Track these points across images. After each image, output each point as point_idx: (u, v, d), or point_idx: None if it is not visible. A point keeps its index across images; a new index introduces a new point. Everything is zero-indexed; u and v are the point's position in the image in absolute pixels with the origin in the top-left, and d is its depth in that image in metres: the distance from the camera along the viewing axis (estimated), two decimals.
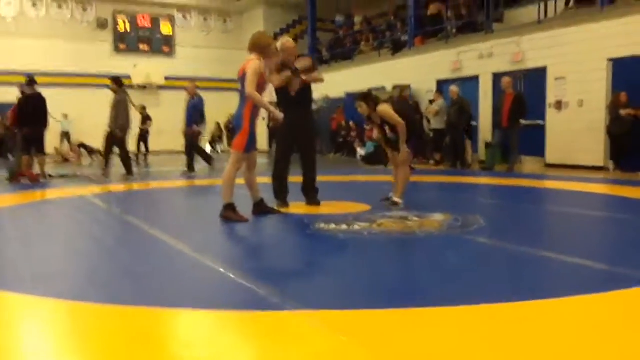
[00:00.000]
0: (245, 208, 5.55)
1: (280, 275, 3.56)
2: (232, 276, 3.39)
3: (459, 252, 4.13)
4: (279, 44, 6.02)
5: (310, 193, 6.41)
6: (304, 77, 6.21)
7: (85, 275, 3.59)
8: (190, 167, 11.63)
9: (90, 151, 17.72)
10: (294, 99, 6.24)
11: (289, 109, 6.12)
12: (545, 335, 2.35)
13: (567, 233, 5.06)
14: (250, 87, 5.23)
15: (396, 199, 6.21)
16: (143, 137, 17.64)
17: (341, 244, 4.46)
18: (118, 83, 10.86)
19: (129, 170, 10.68)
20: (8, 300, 2.98)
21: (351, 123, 17.80)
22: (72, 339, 2.47)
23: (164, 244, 4.49)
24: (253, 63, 5.33)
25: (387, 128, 6.32)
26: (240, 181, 5.52)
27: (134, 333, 2.48)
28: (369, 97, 6.34)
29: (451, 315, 2.64)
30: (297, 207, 6.20)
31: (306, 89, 6.34)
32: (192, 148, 11.79)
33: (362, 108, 6.27)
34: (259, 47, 5.47)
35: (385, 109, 6.16)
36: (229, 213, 5.37)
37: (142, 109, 17.46)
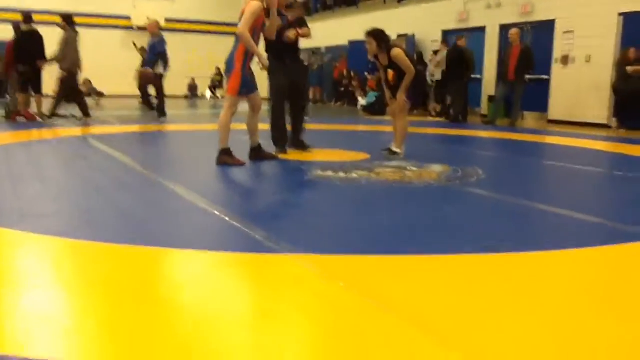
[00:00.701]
0: (244, 153, 5.49)
1: (276, 220, 3.53)
2: (226, 219, 3.35)
3: (457, 203, 4.08)
4: None
5: (299, 139, 6.38)
6: (300, 32, 6.05)
7: (79, 214, 3.54)
8: (161, 111, 11.11)
9: (96, 93, 17.76)
10: (286, 48, 6.10)
11: (280, 57, 6.06)
12: (544, 285, 2.32)
13: (564, 187, 5.01)
14: (242, 26, 5.10)
15: (395, 149, 6.12)
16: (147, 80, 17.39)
17: (338, 190, 4.41)
18: (67, 20, 10.35)
19: (85, 112, 10.28)
20: None
21: (352, 72, 17.55)
22: (61, 275, 2.44)
23: (159, 185, 4.44)
24: (254, 3, 5.16)
25: (390, 72, 6.13)
26: (242, 126, 5.43)
27: (127, 272, 2.45)
28: (382, 36, 6.06)
29: (448, 263, 2.61)
30: (295, 154, 6.14)
31: (297, 40, 6.22)
32: (158, 91, 11.21)
33: (372, 46, 5.99)
34: None
35: (399, 53, 5.95)
36: (225, 157, 5.33)
37: (143, 51, 17.17)
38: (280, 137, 6.25)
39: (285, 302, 2.13)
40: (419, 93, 6.28)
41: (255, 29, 5.20)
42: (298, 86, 6.32)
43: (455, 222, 3.49)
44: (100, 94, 18.53)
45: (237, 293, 2.29)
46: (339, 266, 2.53)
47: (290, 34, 6.02)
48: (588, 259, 2.79)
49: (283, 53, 6.13)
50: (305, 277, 2.40)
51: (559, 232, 3.31)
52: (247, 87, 5.32)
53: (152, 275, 2.48)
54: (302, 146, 6.37)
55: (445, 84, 12.81)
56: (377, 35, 6.03)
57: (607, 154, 7.69)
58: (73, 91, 10.27)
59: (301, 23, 6.29)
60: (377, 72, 16.41)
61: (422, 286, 2.32)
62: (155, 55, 10.98)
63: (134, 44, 11.23)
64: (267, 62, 5.40)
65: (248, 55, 5.23)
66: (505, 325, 1.92)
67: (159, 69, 10.93)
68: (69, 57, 9.99)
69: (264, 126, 6.02)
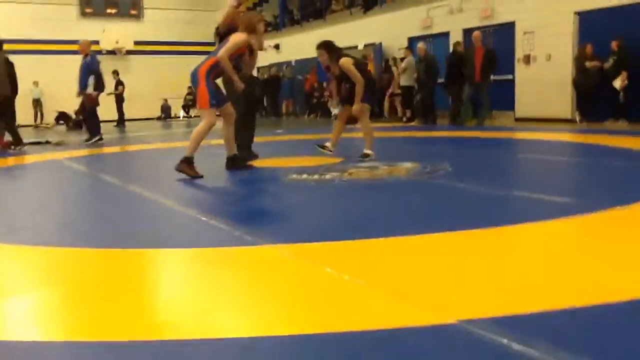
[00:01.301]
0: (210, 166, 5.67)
1: (254, 218, 3.72)
2: (204, 219, 3.53)
3: (423, 192, 4.33)
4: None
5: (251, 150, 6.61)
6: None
7: (62, 225, 3.70)
8: (93, 133, 10.70)
9: (69, 119, 17.92)
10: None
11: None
12: (505, 255, 2.55)
13: (526, 174, 5.31)
14: (223, 53, 5.34)
15: (367, 151, 6.36)
16: (117, 103, 17.55)
17: (312, 190, 4.62)
18: None
19: (17, 141, 9.64)
20: None
21: (324, 83, 17.84)
22: (46, 280, 2.60)
23: (138, 195, 4.60)
24: (241, 36, 5.46)
25: (343, 83, 6.43)
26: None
27: (112, 272, 2.62)
28: (330, 46, 6.34)
29: (416, 242, 2.83)
30: (269, 162, 6.34)
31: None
32: (88, 114, 10.89)
33: (323, 57, 6.30)
34: (247, 27, 5.54)
35: (346, 62, 6.18)
36: (184, 166, 5.34)
37: (115, 74, 17.36)
38: (249, 155, 6.44)
39: (272, 282, 2.32)
40: (370, 98, 6.48)
41: (231, 56, 5.44)
42: (252, 96, 6.65)
43: (421, 208, 3.74)
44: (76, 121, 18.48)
45: (225, 279, 2.47)
46: (316, 251, 2.72)
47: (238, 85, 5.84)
48: (536, 231, 3.03)
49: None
50: (287, 261, 2.60)
51: (519, 210, 3.57)
52: (216, 98, 5.48)
53: (135, 274, 2.66)
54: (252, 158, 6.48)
55: (411, 90, 13.18)
56: (327, 46, 6.33)
57: (567, 144, 8.04)
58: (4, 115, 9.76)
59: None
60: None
61: (393, 262, 2.53)
62: (87, 76, 10.56)
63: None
64: (241, 86, 5.55)
65: (211, 72, 5.43)
66: (465, 282, 2.15)
67: (91, 89, 10.55)
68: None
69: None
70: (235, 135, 5.95)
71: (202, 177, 5.33)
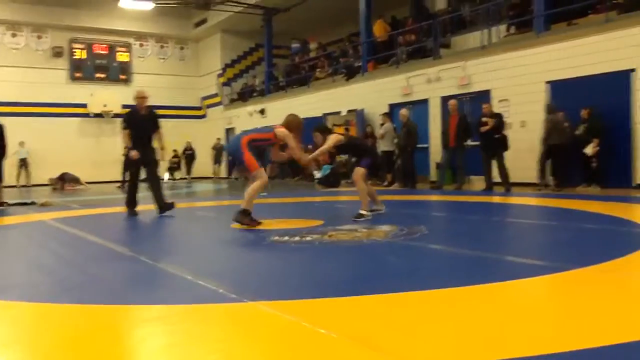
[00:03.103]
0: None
1: (237, 277, 3.88)
2: (189, 277, 3.69)
3: (399, 253, 4.53)
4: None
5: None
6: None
7: (50, 283, 3.83)
8: None
9: (71, 180, 18.21)
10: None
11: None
12: (473, 310, 2.74)
13: (499, 237, 5.54)
14: (292, 141, 6.60)
15: (361, 211, 6.78)
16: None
17: (293, 251, 4.80)
18: None
19: None
20: None
21: (310, 147, 18.22)
22: (36, 335, 2.73)
23: (124, 255, 4.74)
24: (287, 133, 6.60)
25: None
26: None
27: (97, 326, 2.76)
28: (323, 128, 7.65)
29: (387, 300, 3.01)
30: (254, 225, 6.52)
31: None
32: None
33: (317, 138, 7.23)
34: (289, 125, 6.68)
35: (335, 137, 7.13)
36: (242, 217, 6.26)
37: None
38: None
39: (253, 335, 2.48)
40: (372, 164, 7.30)
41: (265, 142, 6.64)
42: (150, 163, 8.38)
43: (396, 268, 3.95)
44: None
45: (207, 336, 2.61)
46: (295, 308, 2.89)
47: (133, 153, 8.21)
48: (505, 289, 3.23)
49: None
50: (267, 316, 2.76)
51: (492, 270, 3.77)
52: (260, 161, 6.50)
53: (120, 329, 2.80)
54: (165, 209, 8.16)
55: (395, 155, 13.57)
56: (320, 129, 7.42)
57: (540, 207, 8.33)
58: None
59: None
60: None
61: (366, 317, 2.70)
62: None
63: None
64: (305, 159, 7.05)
65: (250, 145, 6.38)
66: (432, 334, 2.33)
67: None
68: None
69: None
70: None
71: (260, 223, 6.29)
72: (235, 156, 6.53)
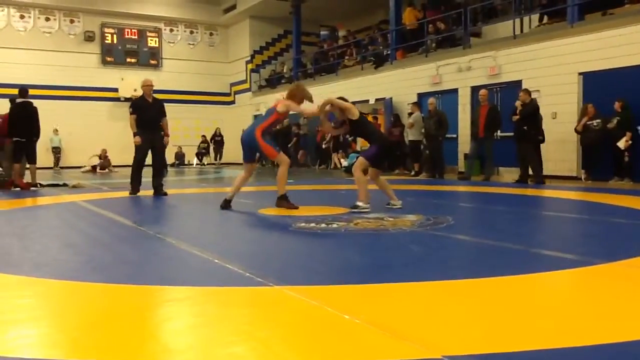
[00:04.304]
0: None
1: (263, 261, 3.92)
2: (216, 260, 3.74)
3: (424, 243, 4.52)
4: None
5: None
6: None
7: (80, 262, 3.92)
8: None
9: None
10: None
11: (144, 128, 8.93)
12: (497, 301, 2.73)
13: (526, 229, 5.47)
14: (295, 106, 6.82)
15: (358, 202, 6.46)
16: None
17: (319, 237, 4.82)
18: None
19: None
20: (10, 279, 3.32)
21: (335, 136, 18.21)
22: (66, 311, 2.80)
23: (153, 237, 4.82)
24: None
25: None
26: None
27: (123, 305, 2.82)
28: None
29: (414, 289, 3.01)
30: (278, 210, 6.57)
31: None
32: None
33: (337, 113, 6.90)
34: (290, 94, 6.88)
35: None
36: (282, 202, 6.60)
37: None
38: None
39: (277, 319, 2.51)
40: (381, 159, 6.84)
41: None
42: (155, 147, 9.02)
43: (420, 257, 3.94)
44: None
45: (231, 318, 2.66)
46: (319, 293, 2.92)
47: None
48: (530, 281, 3.21)
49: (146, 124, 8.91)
50: (292, 301, 2.79)
51: (509, 262, 3.74)
52: (277, 146, 6.85)
53: (148, 309, 2.85)
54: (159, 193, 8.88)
55: (418, 145, 13.49)
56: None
57: (570, 201, 8.21)
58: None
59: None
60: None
61: (389, 304, 2.71)
62: None
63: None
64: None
65: (266, 131, 6.67)
66: (455, 323, 2.33)
67: None
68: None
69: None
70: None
71: (297, 208, 6.51)
72: (252, 147, 6.76)
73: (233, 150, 24.55)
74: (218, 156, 24.63)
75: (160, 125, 9.17)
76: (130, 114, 8.93)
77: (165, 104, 9.43)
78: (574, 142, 11.71)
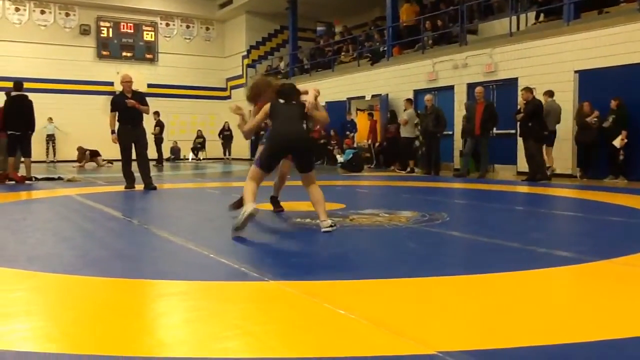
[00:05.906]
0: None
1: (258, 256, 3.93)
2: (211, 255, 3.74)
3: (419, 239, 4.53)
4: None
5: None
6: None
7: (74, 256, 3.91)
8: None
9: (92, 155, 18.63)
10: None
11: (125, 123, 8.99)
12: (491, 297, 2.74)
13: (521, 226, 5.49)
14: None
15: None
16: (156, 143, 18.20)
17: (314, 233, 4.82)
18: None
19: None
20: (4, 273, 3.32)
21: (332, 131, 18.22)
22: (60, 305, 2.79)
23: (148, 231, 4.82)
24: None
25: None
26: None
27: (118, 299, 2.82)
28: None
29: (407, 285, 3.02)
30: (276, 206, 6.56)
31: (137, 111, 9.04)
32: None
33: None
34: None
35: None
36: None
37: (156, 115, 18.16)
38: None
39: (272, 313, 2.52)
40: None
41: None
42: (139, 143, 9.03)
43: (415, 253, 3.95)
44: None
45: (226, 313, 2.66)
46: (316, 288, 2.92)
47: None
48: (523, 278, 3.22)
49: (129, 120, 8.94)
50: (288, 296, 2.80)
51: (503, 259, 3.75)
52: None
53: (143, 303, 2.85)
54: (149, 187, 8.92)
55: (411, 141, 13.50)
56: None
57: (564, 198, 8.25)
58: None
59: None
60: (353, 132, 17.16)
61: (384, 300, 2.72)
62: None
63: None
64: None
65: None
66: (449, 319, 2.34)
67: None
68: None
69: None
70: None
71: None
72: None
73: (235, 146, 24.37)
74: (227, 151, 24.22)
75: (141, 121, 9.22)
76: (111, 111, 9.07)
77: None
78: (569, 140, 11.73)
